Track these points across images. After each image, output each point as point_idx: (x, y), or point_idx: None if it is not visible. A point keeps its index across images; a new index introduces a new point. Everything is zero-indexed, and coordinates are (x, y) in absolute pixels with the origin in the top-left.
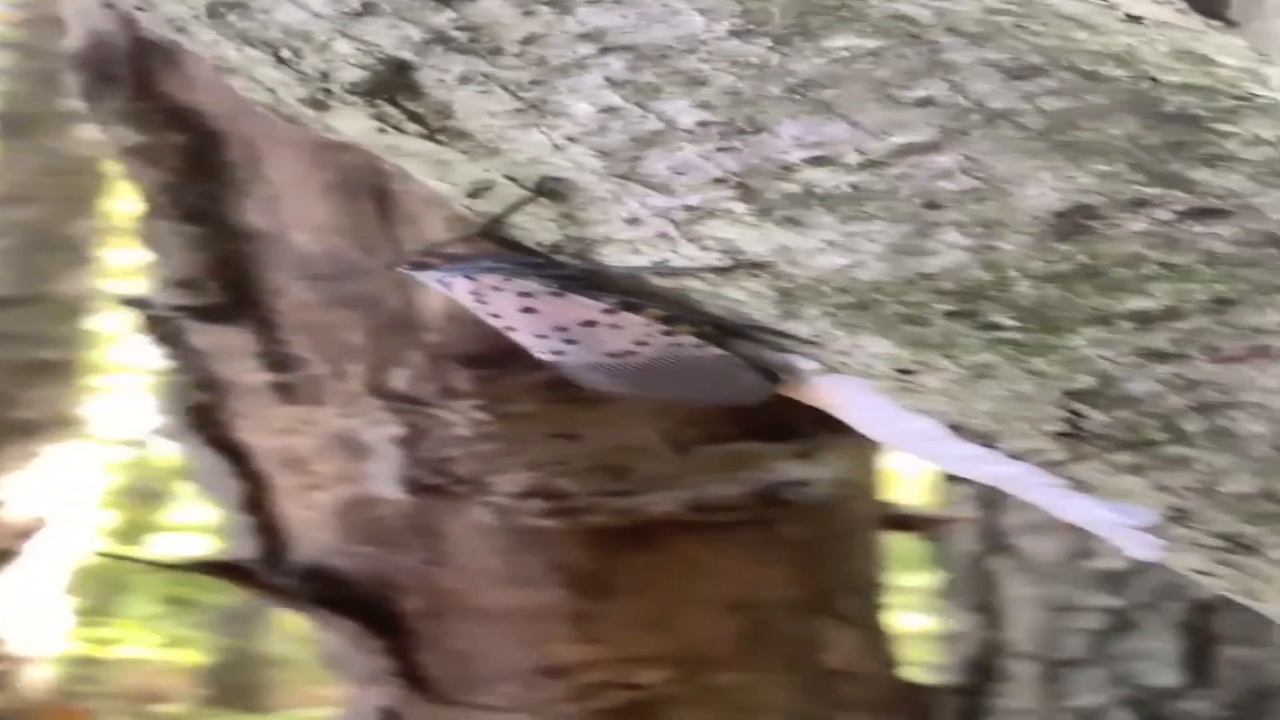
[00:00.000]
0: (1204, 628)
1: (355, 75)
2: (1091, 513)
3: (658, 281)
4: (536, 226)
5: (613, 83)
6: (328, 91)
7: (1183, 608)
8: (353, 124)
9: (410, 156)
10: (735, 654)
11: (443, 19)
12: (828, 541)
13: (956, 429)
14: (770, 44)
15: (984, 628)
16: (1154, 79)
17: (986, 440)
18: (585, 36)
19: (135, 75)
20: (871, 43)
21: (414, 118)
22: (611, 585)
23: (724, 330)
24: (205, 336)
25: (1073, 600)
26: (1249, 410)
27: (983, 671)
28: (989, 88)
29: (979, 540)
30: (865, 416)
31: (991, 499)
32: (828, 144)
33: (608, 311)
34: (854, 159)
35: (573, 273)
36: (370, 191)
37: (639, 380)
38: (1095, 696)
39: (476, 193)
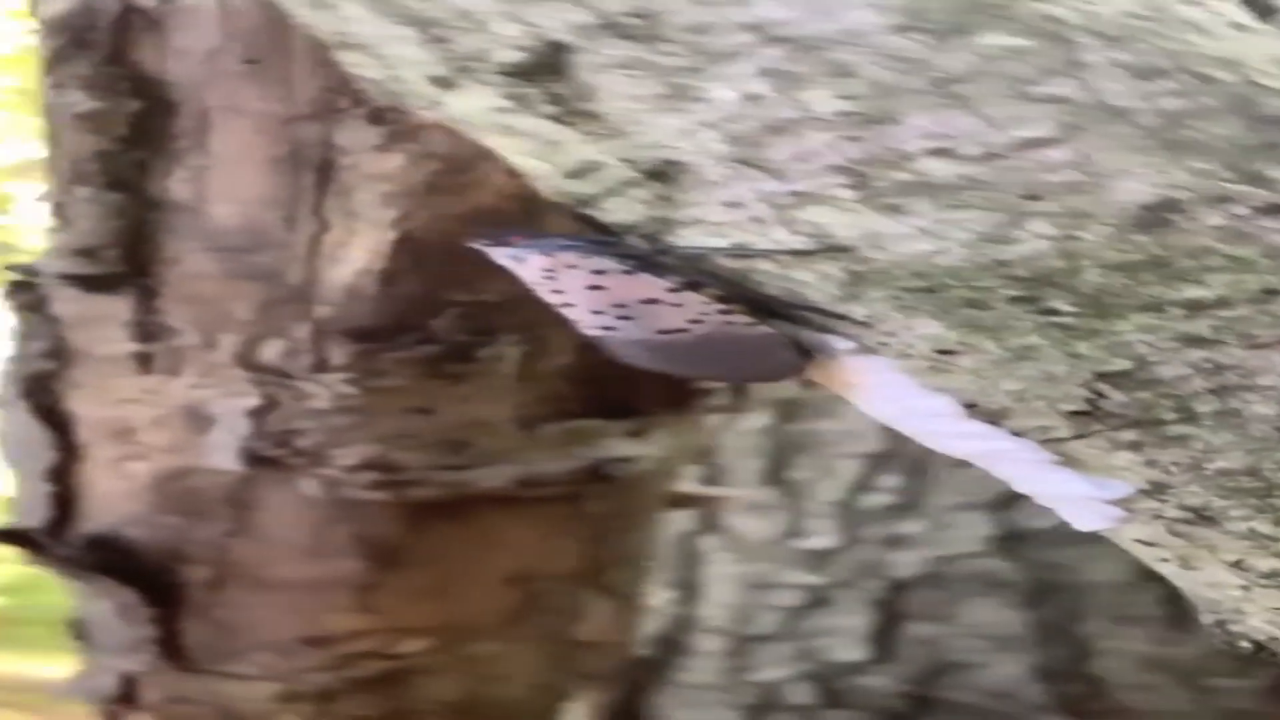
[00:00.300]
0: (893, 604)
1: (512, 56)
2: (1064, 487)
3: (724, 262)
4: (621, 207)
5: (764, 72)
6: (468, 71)
7: (881, 585)
8: (473, 103)
9: (517, 135)
10: (500, 625)
11: (616, 5)
12: (620, 517)
13: (971, 407)
14: (927, 39)
15: (680, 604)
16: (1256, 83)
17: (997, 418)
18: (750, 27)
19: (113, 42)
20: (1019, 41)
21: (555, 99)
22: (404, 557)
23: (773, 310)
24: (74, 305)
25: (772, 578)
26: (1262, 393)
27: (669, 646)
28: (1116, 87)
29: (694, 519)
30: (881, 395)
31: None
32: (952, 136)
33: (672, 290)
34: (973, 151)
35: (644, 253)
36: (315, 165)
37: (681, 357)
38: (778, 671)
39: (580, 174)
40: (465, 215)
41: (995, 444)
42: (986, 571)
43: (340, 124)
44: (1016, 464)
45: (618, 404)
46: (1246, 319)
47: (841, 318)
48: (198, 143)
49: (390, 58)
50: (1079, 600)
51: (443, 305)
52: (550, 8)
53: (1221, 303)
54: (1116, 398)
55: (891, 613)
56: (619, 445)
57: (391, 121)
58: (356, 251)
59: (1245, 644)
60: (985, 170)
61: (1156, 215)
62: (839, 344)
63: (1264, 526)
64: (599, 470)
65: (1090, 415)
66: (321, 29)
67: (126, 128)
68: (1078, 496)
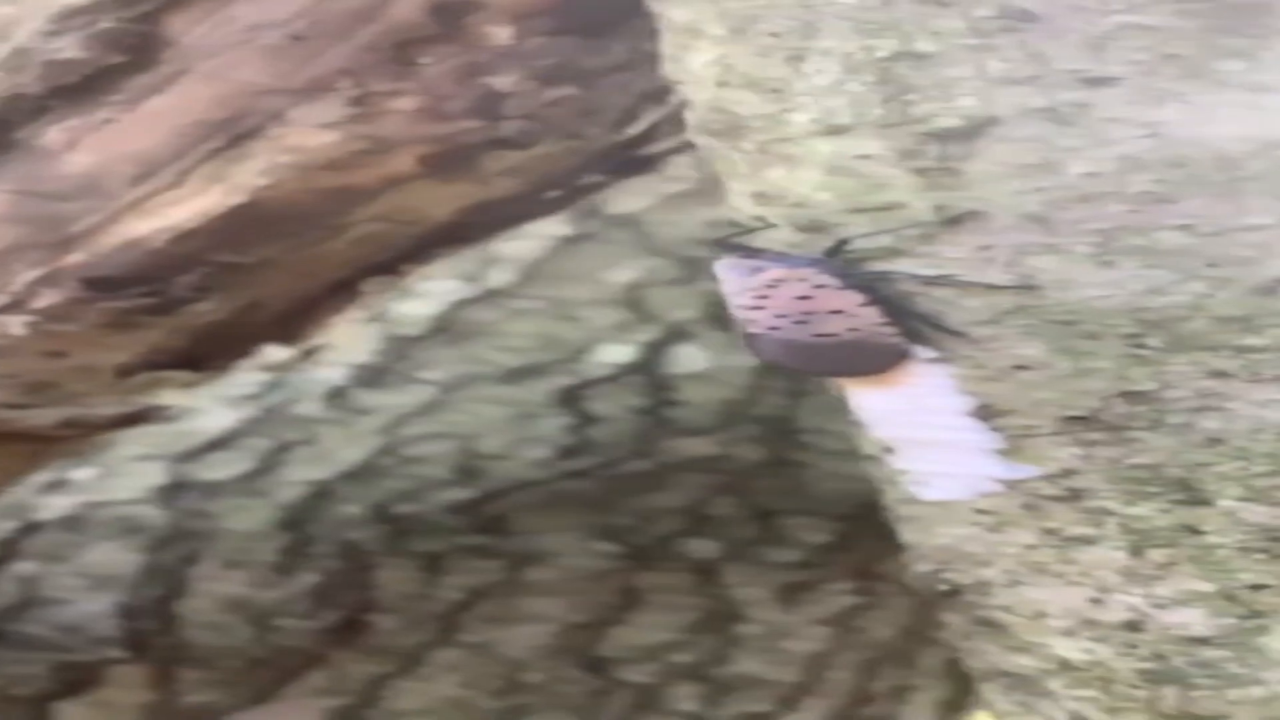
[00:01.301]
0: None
1: (951, 123)
2: (971, 467)
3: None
4: (884, 242)
5: (1122, 157)
6: (887, 125)
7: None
8: (847, 146)
9: (842, 171)
10: None
11: (1063, 95)
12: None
13: (983, 408)
14: None
15: None
16: None
17: (995, 417)
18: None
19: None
20: None
21: (942, 157)
22: None
23: (910, 322)
24: None
25: None
26: (1224, 413)
27: None
28: None
29: None
30: (917, 394)
31: None
32: (1205, 217)
33: (862, 305)
34: (1209, 229)
35: (865, 275)
36: (236, 135)
37: (818, 356)
38: None
39: (876, 209)
40: (331, 191)
41: (967, 435)
42: (130, 516)
43: (301, 102)
44: (959, 446)
45: (199, 356)
46: (1270, 361)
47: (960, 335)
48: (130, 99)
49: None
50: (205, 546)
51: (198, 264)
52: (1016, 91)
53: (1265, 349)
54: (1119, 410)
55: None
56: (171, 395)
57: (357, 104)
58: (182, 210)
59: (945, 587)
60: (1207, 244)
61: (1277, 285)
62: (927, 353)
63: (1133, 509)
64: (139, 417)
65: (1084, 421)
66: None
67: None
68: (972, 474)
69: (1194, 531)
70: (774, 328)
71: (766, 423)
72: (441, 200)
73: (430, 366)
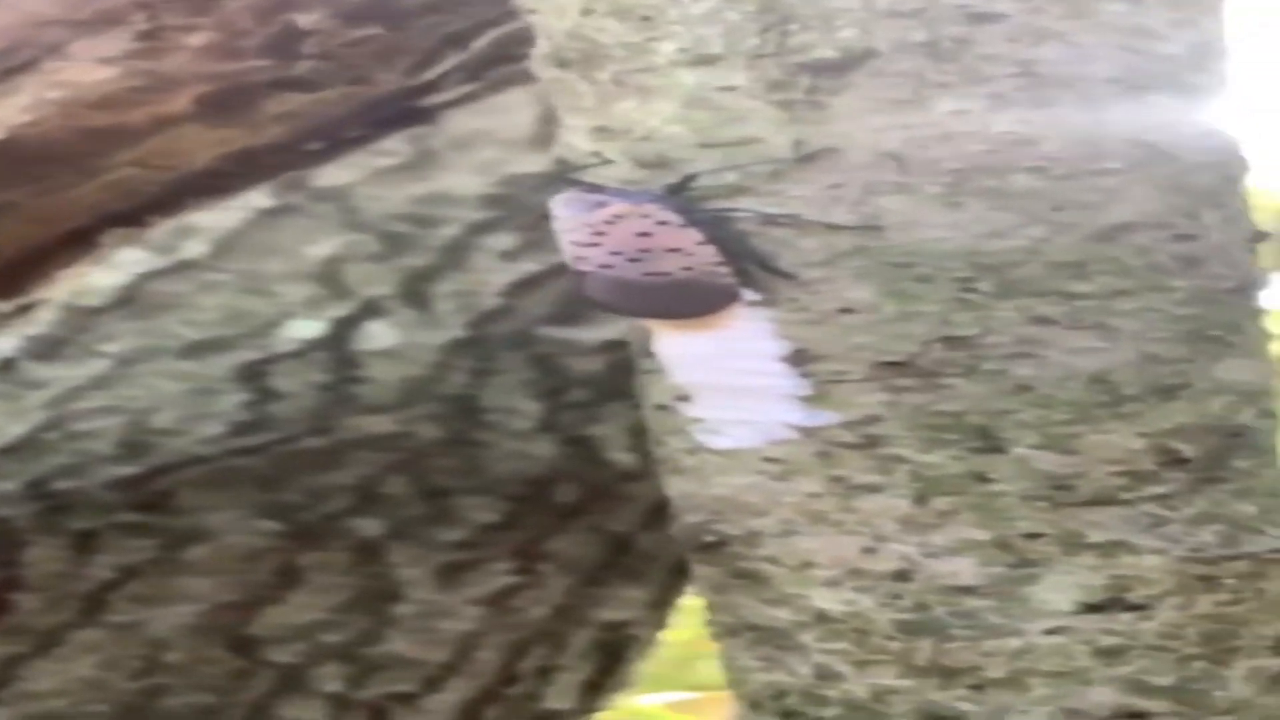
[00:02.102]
0: None
1: (827, 54)
2: (770, 414)
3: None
4: (731, 177)
5: (991, 96)
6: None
7: None
8: (706, 77)
9: (699, 103)
10: None
11: (948, 30)
12: None
13: (797, 354)
14: None
15: None
16: None
17: (806, 363)
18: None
19: None
20: None
21: (811, 90)
22: None
23: (743, 262)
24: None
25: None
26: (1038, 360)
27: None
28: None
29: None
30: (734, 335)
31: None
32: (1061, 159)
33: (700, 243)
34: (1062, 171)
35: (708, 211)
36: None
37: (645, 296)
38: None
39: (733, 144)
40: (96, 131)
41: (773, 381)
42: None
43: (85, 35)
44: (762, 392)
45: None
46: (1093, 309)
47: (791, 277)
48: None
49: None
50: None
51: None
52: (899, 24)
53: (1090, 295)
54: (936, 356)
55: None
56: None
57: (145, 38)
58: None
59: (711, 538)
60: (1057, 187)
61: (1116, 232)
62: (753, 295)
63: (926, 456)
64: None
65: (898, 366)
66: None
67: None
68: (769, 421)
69: (982, 479)
70: (606, 265)
71: (449, 401)
72: (205, 145)
73: (110, 339)
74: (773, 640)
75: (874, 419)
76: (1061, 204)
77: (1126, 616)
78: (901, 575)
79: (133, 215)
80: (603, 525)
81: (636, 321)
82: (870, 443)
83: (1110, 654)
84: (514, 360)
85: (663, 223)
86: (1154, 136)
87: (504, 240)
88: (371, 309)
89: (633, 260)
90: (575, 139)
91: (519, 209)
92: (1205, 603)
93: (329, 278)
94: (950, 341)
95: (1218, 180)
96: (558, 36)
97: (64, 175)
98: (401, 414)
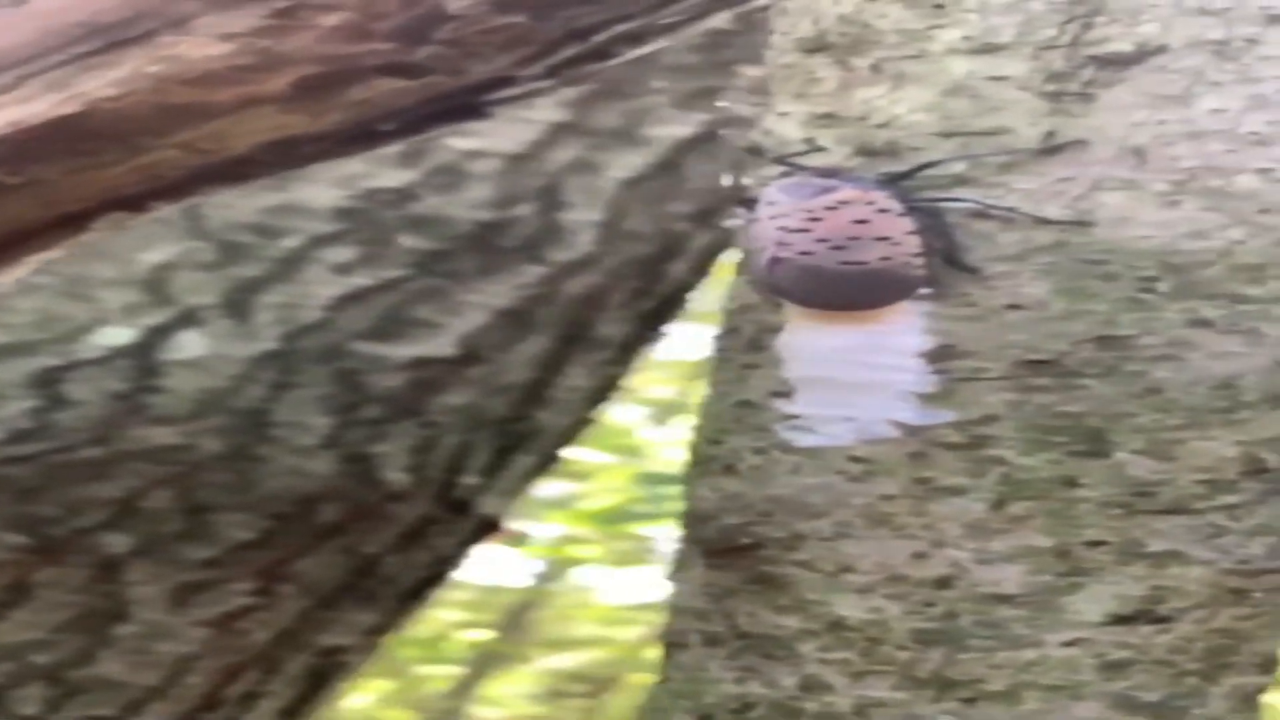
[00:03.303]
0: None
1: (1120, 47)
2: (886, 411)
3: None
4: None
5: (1252, 98)
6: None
7: None
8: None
9: (969, 90)
10: None
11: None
12: None
13: (942, 349)
14: None
15: None
16: None
17: (949, 360)
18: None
19: None
20: None
21: (1088, 84)
22: None
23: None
24: None
25: None
26: (1179, 362)
27: None
28: None
29: None
30: (892, 328)
31: None
32: None
33: (909, 233)
34: None
35: (928, 199)
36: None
37: (832, 286)
38: None
39: (985, 133)
40: (175, 108)
41: (901, 377)
42: None
43: (218, 9)
44: (881, 388)
45: None
46: (1254, 314)
47: (975, 271)
48: None
49: None
50: None
51: None
52: (1201, 21)
53: (1256, 300)
54: (1084, 355)
55: None
56: None
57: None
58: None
59: (747, 540)
60: (1273, 190)
61: None
62: (924, 289)
63: (1026, 459)
64: None
65: (1042, 365)
66: None
67: None
68: (874, 419)
69: (1071, 484)
70: (806, 252)
71: (240, 414)
72: (261, 131)
73: None
74: (762, 649)
75: (990, 419)
76: (1270, 207)
77: (1147, 629)
78: (943, 582)
79: (137, 200)
80: (355, 547)
81: (757, 315)
82: (975, 444)
83: (1114, 668)
84: (316, 375)
85: (883, 210)
86: None
87: (342, 253)
88: (189, 318)
89: (836, 248)
90: (785, 126)
91: (367, 222)
92: (1225, 616)
93: (155, 285)
94: (1104, 341)
95: None
96: (827, 20)
97: (108, 153)
98: (188, 426)
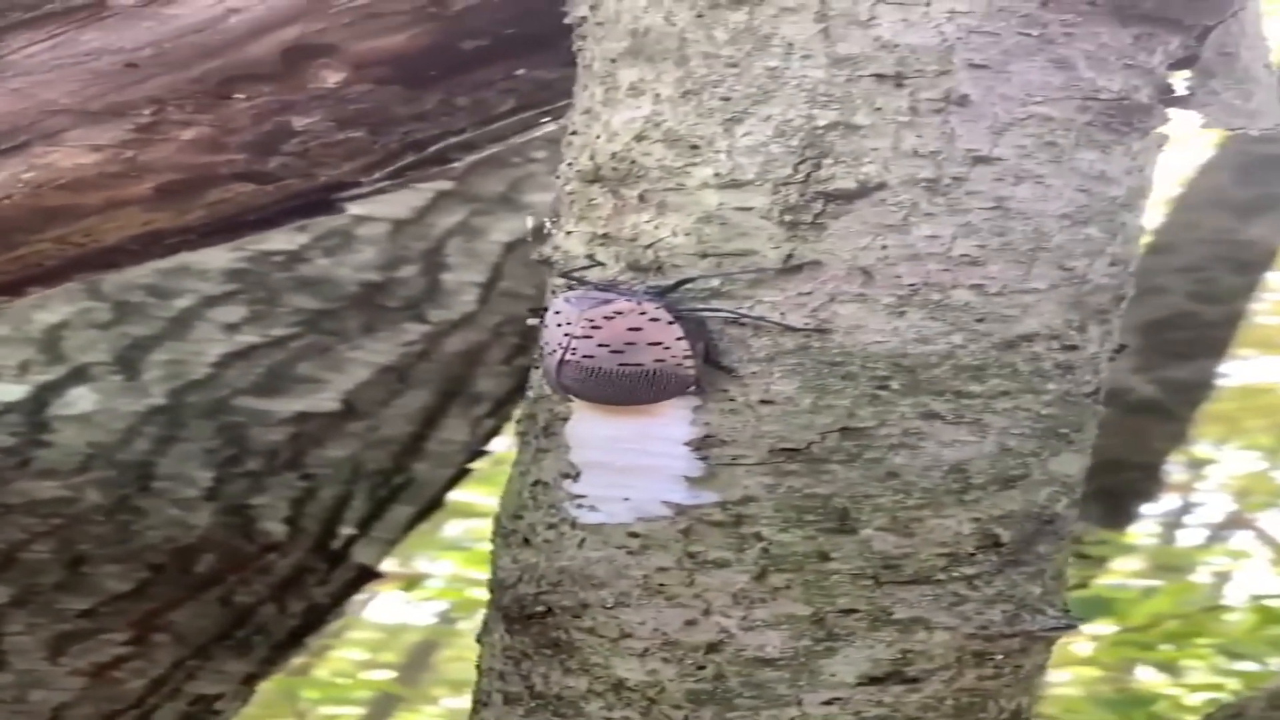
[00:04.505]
0: None
1: (846, 185)
2: (655, 491)
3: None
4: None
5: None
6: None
7: None
8: (729, 198)
9: (711, 217)
10: None
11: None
12: None
13: (705, 439)
14: None
15: None
16: None
17: (711, 448)
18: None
19: None
20: None
21: (818, 216)
22: None
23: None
24: None
25: None
26: (914, 450)
27: None
28: None
29: None
30: (663, 421)
31: None
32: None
33: (678, 339)
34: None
35: (693, 310)
36: None
37: (612, 385)
38: None
39: (727, 255)
40: (47, 211)
41: (669, 463)
42: None
43: (86, 124)
44: (653, 472)
45: None
46: (976, 407)
47: (731, 371)
48: None
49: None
50: None
51: None
52: (915, 162)
53: (978, 395)
54: (830, 444)
55: None
56: None
57: (143, 130)
58: None
59: (540, 608)
60: (987, 302)
61: (1020, 341)
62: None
63: (783, 535)
64: None
65: (793, 453)
66: None
67: None
68: (648, 499)
69: (824, 558)
70: (588, 355)
71: (125, 467)
72: (129, 226)
73: None
74: (554, 708)
75: (749, 499)
76: (985, 316)
77: (898, 689)
78: (713, 647)
79: (15, 285)
80: (231, 597)
81: (550, 405)
82: (735, 521)
83: None
84: (201, 429)
85: (655, 319)
86: (1075, 263)
87: (231, 312)
88: (80, 375)
89: (615, 352)
90: (570, 244)
91: (257, 283)
92: (970, 677)
93: (49, 344)
94: (846, 431)
95: (1108, 300)
96: (601, 155)
97: None
98: (73, 479)
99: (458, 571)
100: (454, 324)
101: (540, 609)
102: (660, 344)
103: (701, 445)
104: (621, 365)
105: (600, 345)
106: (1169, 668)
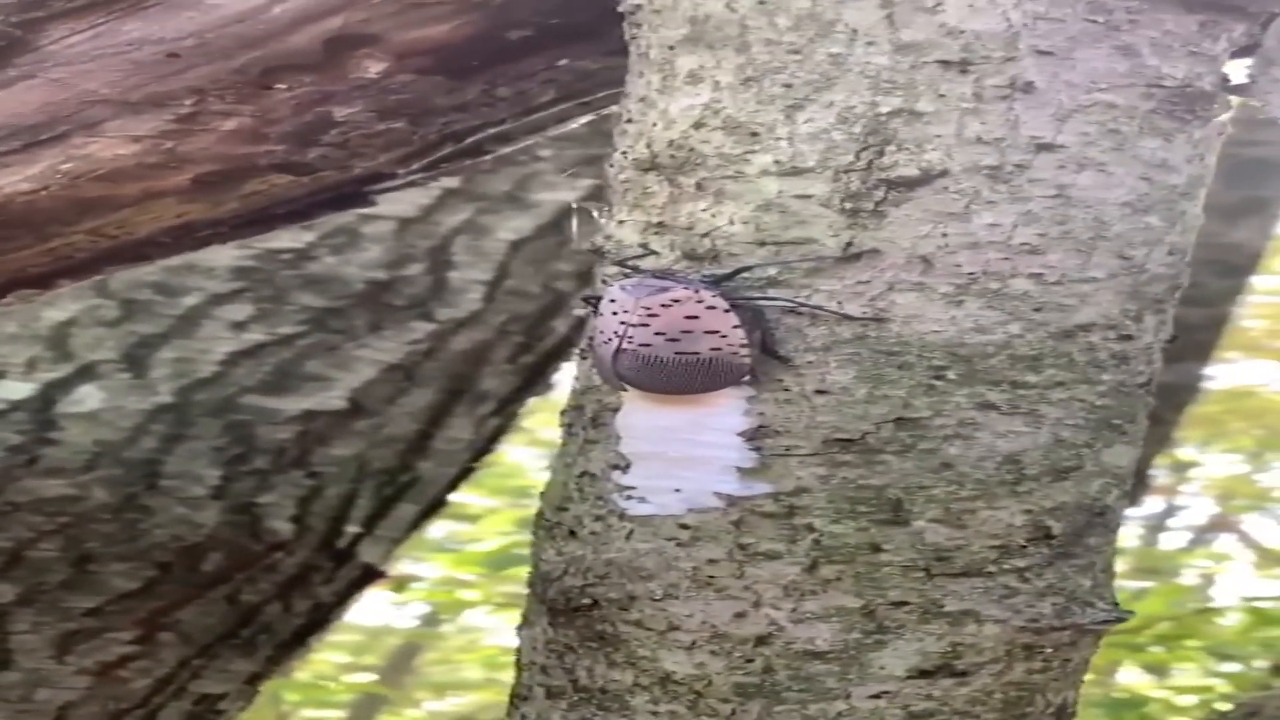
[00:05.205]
0: None
1: (908, 172)
2: (708, 483)
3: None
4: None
5: (1038, 228)
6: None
7: None
8: (791, 184)
9: (775, 206)
10: None
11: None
12: None
13: (759, 429)
14: None
15: None
16: None
17: (765, 438)
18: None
19: None
20: None
21: (880, 202)
22: None
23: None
24: None
25: None
26: (968, 440)
27: None
28: None
29: None
30: (716, 410)
31: None
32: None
33: (735, 327)
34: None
35: (749, 298)
36: None
37: (668, 374)
38: None
39: (786, 244)
40: (84, 201)
41: (722, 453)
42: None
43: (126, 114)
44: (706, 463)
45: None
46: (1031, 397)
47: (787, 361)
48: None
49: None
50: None
51: None
52: (978, 149)
53: (1034, 385)
54: (884, 435)
55: None
56: None
57: (183, 120)
58: None
59: (586, 600)
60: (1045, 291)
61: (1077, 331)
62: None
63: (835, 526)
64: None
65: (847, 443)
66: None
67: None
68: (700, 490)
69: (876, 549)
70: (646, 344)
71: (132, 465)
72: (160, 218)
73: None
74: (598, 702)
75: (802, 490)
76: (1043, 305)
77: (947, 682)
78: (762, 639)
79: (45, 278)
80: (236, 596)
81: (599, 395)
82: (788, 513)
83: (918, 719)
84: (208, 428)
85: (711, 307)
86: (1134, 252)
87: (239, 310)
88: (88, 373)
89: (671, 340)
90: (623, 232)
91: (265, 281)
92: (1019, 670)
93: (57, 341)
94: (901, 422)
95: (1165, 290)
96: (658, 144)
97: (21, 239)
98: (80, 478)
99: (444, 573)
100: (460, 322)
101: (586, 601)
102: (717, 332)
103: (755, 436)
104: (678, 354)
105: (657, 333)
106: (1158, 669)
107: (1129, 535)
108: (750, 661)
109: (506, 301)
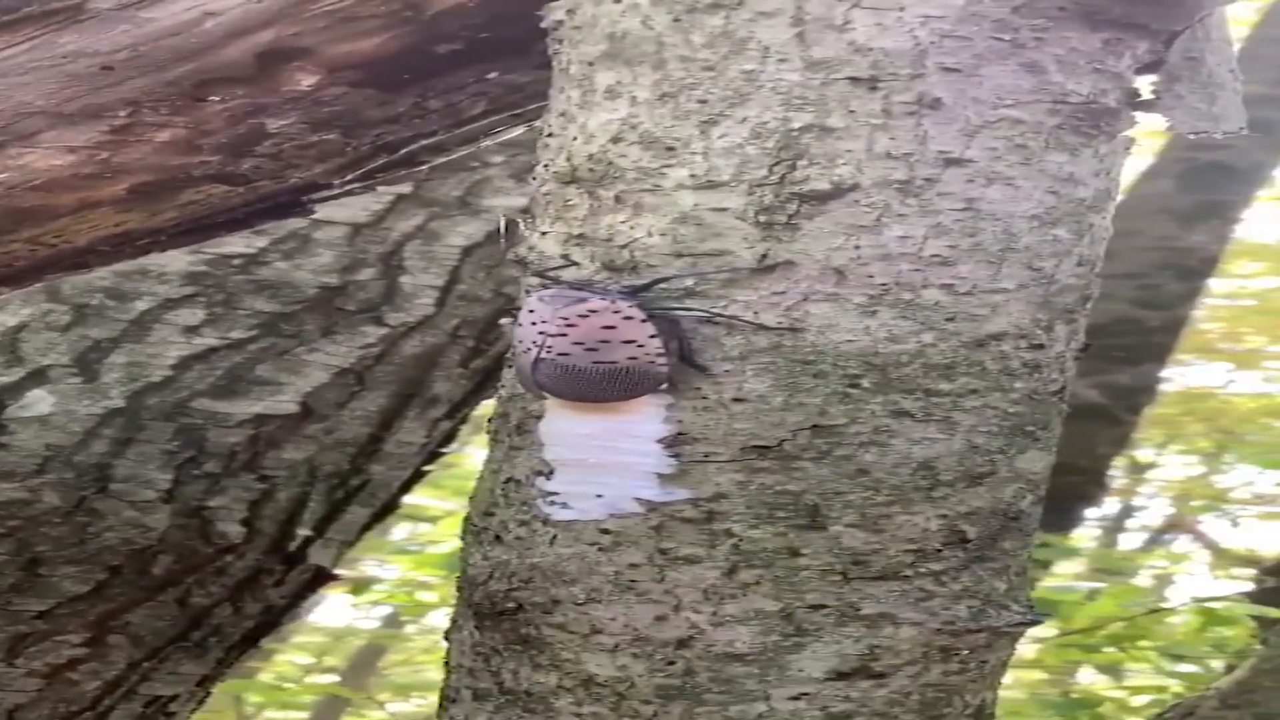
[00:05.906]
0: None
1: (820, 186)
2: (626, 488)
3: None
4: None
5: (935, 226)
6: (755, 183)
7: None
8: (720, 199)
9: (690, 219)
10: None
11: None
12: None
13: (677, 436)
14: None
15: None
16: None
17: (683, 445)
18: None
19: None
20: None
21: (793, 215)
22: None
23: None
24: None
25: None
26: (884, 447)
27: None
28: None
29: None
30: (633, 416)
31: None
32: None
33: (651, 337)
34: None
35: (666, 307)
36: None
37: (586, 382)
38: None
39: (701, 255)
40: (18, 212)
41: (641, 460)
42: None
43: (62, 125)
44: (626, 469)
45: None
46: (946, 405)
47: (705, 370)
48: None
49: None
50: None
51: None
52: (887, 164)
53: (948, 394)
54: (801, 442)
55: None
56: None
57: (118, 132)
58: None
59: (511, 604)
60: (956, 301)
61: (989, 340)
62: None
63: (753, 532)
64: None
65: (764, 450)
66: None
67: None
68: (620, 496)
69: (794, 554)
70: (564, 354)
71: (83, 469)
72: (101, 227)
73: None
74: (523, 704)
75: (720, 496)
76: (955, 315)
77: (865, 684)
78: (682, 643)
79: None
80: (186, 598)
81: (523, 403)
82: (707, 518)
83: (836, 719)
84: (160, 431)
85: (628, 318)
86: (1044, 263)
87: (191, 315)
88: (39, 377)
89: (589, 350)
90: (545, 244)
91: (216, 286)
92: (936, 672)
93: (8, 346)
94: (817, 429)
95: (1075, 300)
96: (578, 157)
97: None
98: (31, 481)
99: (405, 575)
100: (411, 327)
101: (511, 605)
102: (634, 342)
103: (674, 443)
104: (596, 363)
105: (575, 343)
106: (1112, 670)
107: (1087, 536)
108: (671, 664)
109: (458, 306)
